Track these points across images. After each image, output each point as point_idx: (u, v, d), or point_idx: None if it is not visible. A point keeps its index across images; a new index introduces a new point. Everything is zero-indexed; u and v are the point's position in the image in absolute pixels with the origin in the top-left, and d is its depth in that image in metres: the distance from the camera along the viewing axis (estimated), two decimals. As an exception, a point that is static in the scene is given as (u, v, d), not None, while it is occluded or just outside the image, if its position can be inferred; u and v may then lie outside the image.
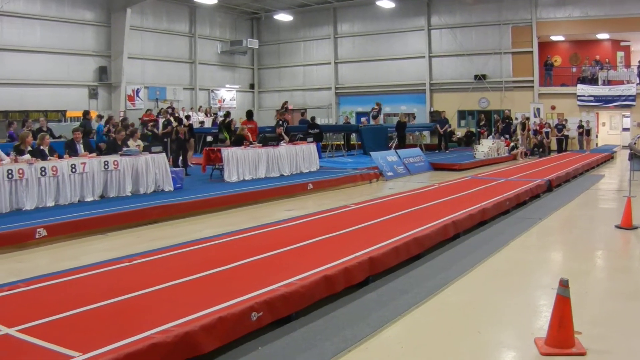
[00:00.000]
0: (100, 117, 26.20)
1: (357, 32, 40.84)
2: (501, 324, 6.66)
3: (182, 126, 21.82)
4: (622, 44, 35.91)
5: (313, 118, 28.46)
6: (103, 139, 20.05)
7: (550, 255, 10.44)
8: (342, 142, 31.38)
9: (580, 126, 32.38)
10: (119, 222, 12.52)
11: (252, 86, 45.10)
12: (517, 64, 35.35)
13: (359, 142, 29.54)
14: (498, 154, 28.38)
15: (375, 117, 32.71)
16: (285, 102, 35.57)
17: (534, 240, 11.30)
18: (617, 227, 11.81)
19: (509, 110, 33.90)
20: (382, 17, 39.18)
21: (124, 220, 12.66)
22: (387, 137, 30.55)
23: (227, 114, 30.98)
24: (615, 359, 5.65)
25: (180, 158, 21.09)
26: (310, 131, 25.42)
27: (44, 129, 21.01)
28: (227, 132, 26.20)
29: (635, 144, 23.46)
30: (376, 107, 32.99)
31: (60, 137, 21.41)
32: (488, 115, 35.30)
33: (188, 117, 27.41)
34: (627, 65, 34.94)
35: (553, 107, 34.32)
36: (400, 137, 30.22)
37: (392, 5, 37.04)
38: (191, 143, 25.03)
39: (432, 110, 37.69)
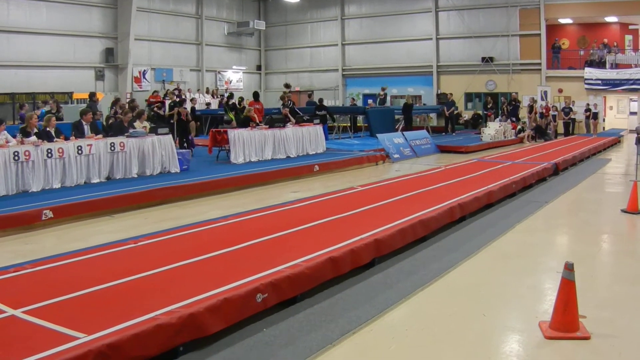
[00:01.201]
0: (116, 99, 26.06)
1: (364, 13, 40.66)
2: (506, 307, 6.67)
3: (184, 107, 21.84)
4: (630, 27, 35.62)
5: (321, 100, 28.29)
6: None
7: (556, 238, 10.45)
8: (349, 124, 31.33)
9: (588, 110, 32.23)
10: (125, 204, 12.57)
11: (258, 68, 44.98)
12: (524, 46, 35.17)
13: (366, 124, 29.50)
14: (505, 137, 28.32)
15: (382, 104, 32.66)
16: (287, 86, 35.16)
17: (540, 223, 11.29)
18: (623, 211, 11.81)
19: (516, 93, 33.74)
20: (389, -1, 39.06)
21: (130, 202, 12.70)
22: (394, 119, 30.49)
23: (231, 96, 30.99)
24: (620, 343, 5.64)
25: (185, 139, 21.09)
26: (317, 113, 25.35)
27: (53, 111, 21.01)
28: (231, 112, 26.26)
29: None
30: (382, 93, 32.84)
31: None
32: (495, 98, 35.18)
33: (192, 100, 27.42)
34: (635, 48, 34.71)
35: (560, 91, 34.19)
36: (406, 119, 30.15)
37: (399, -14, 36.95)
38: (192, 124, 25.06)
39: (439, 92, 37.56)
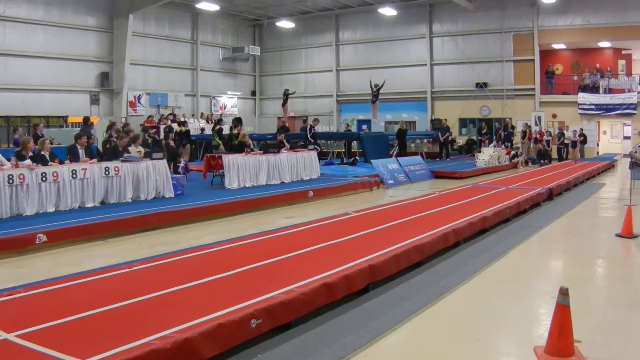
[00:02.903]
0: (112, 124, 26.00)
1: (359, 39, 40.96)
2: (501, 332, 6.66)
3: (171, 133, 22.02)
4: (623, 52, 35.97)
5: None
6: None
7: (551, 263, 10.44)
8: (343, 150, 31.36)
9: (582, 134, 32.37)
10: (119, 228, 12.52)
11: (253, 93, 45.22)
12: (518, 72, 35.43)
13: (360, 150, 29.55)
14: (499, 162, 28.40)
15: (374, 102, 31.91)
16: (286, 92, 35.06)
17: (534, 248, 11.30)
18: (618, 235, 11.81)
19: (510, 119, 33.97)
20: (384, 25, 39.30)
21: (124, 227, 12.66)
22: (388, 144, 30.53)
23: (219, 121, 31.09)
24: (615, 368, 5.64)
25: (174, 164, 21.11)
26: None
27: (40, 134, 21.02)
28: (218, 137, 26.40)
29: (636, 152, 23.43)
30: (380, 84, 31.39)
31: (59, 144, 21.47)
32: (489, 123, 35.35)
33: (184, 123, 27.53)
34: (629, 73, 34.99)
35: (554, 116, 34.38)
36: (401, 145, 30.24)
37: (394, 12, 37.19)
38: (187, 149, 25.11)
39: (433, 118, 37.71)
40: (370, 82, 31.31)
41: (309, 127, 26.12)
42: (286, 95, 33.98)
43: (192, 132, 29.04)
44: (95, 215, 12.97)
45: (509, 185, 18.64)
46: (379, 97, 31.24)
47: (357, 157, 27.40)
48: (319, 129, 28.93)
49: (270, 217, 15.18)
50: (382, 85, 30.97)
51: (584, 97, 33.72)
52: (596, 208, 16.78)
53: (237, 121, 25.96)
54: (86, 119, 24.28)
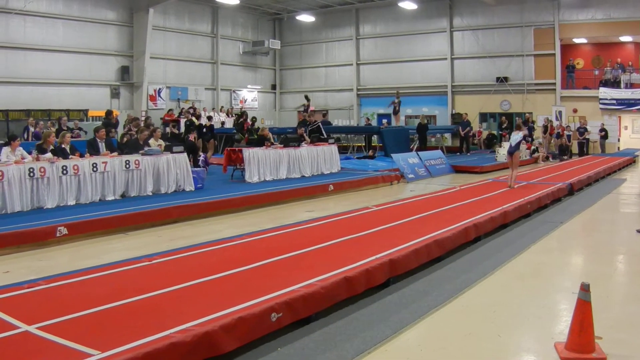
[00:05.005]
0: (133, 118, 25.97)
1: (379, 33, 40.78)
2: (521, 328, 6.64)
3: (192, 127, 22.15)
4: (645, 46, 35.66)
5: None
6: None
7: (571, 259, 10.41)
8: (364, 144, 31.32)
9: (603, 130, 32.17)
10: (139, 222, 12.60)
11: (273, 87, 45.13)
12: (539, 66, 35.16)
13: (380, 144, 29.49)
14: (519, 157, 28.18)
15: (395, 114, 32.42)
16: (307, 99, 34.94)
17: (555, 243, 11.25)
18: (639, 231, 11.74)
19: (530, 114, 33.77)
20: (404, 19, 39.10)
21: (144, 220, 12.74)
22: (409, 139, 30.48)
23: (241, 115, 31.11)
24: (636, 365, 5.62)
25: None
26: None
27: (64, 127, 21.14)
28: (241, 131, 26.46)
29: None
30: (396, 100, 32.27)
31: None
32: (510, 117, 35.15)
33: (209, 118, 27.57)
34: (650, 68, 34.69)
35: (575, 110, 34.11)
36: (421, 139, 30.15)
37: (414, 6, 36.97)
38: (211, 144, 25.19)
39: (453, 112, 37.57)
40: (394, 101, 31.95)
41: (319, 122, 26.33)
42: (305, 107, 33.84)
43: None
44: (115, 209, 13.07)
45: (530, 180, 18.57)
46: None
47: (372, 151, 27.26)
48: (339, 122, 28.80)
49: (291, 210, 15.21)
50: (399, 100, 31.74)
51: (605, 92, 33.39)
52: (617, 204, 16.69)
53: (244, 114, 26.05)
54: (108, 112, 24.31)
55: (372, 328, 6.47)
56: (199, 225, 13.15)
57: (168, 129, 24.72)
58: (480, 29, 36.76)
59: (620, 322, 6.71)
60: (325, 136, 23.21)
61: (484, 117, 37.36)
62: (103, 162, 14.62)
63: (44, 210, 13.00)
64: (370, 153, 26.94)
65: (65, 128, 20.65)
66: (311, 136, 22.68)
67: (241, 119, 29.43)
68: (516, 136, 16.89)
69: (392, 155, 23.67)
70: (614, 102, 33.18)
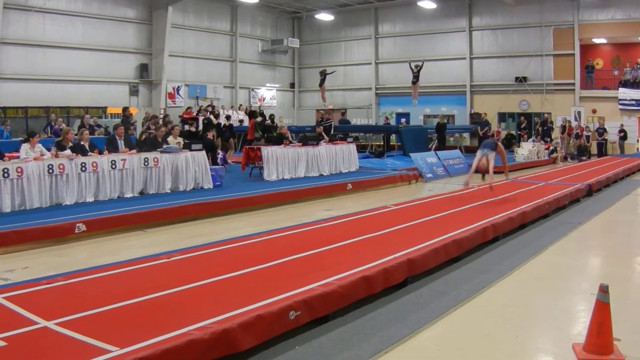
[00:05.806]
0: (152, 116, 26.01)
1: (398, 32, 40.77)
2: (539, 329, 6.63)
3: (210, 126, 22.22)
4: (665, 47, 35.43)
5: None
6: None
7: (590, 260, 10.38)
8: (382, 143, 31.30)
9: (622, 130, 32.04)
10: (158, 219, 12.66)
11: (292, 85, 45.20)
12: (558, 66, 35.03)
13: (399, 143, 29.45)
14: (538, 157, 28.16)
15: (415, 83, 31.46)
16: (323, 72, 34.50)
17: (573, 244, 11.22)
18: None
19: (549, 114, 33.63)
20: (423, 18, 39.07)
21: (163, 217, 12.79)
22: (427, 138, 30.44)
23: (261, 113, 31.12)
24: (655, 367, 5.60)
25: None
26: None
27: (87, 124, 21.29)
28: (261, 130, 26.47)
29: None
30: (420, 64, 31.07)
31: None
32: (528, 117, 35.05)
33: (228, 117, 27.63)
34: (670, 69, 34.46)
35: (594, 111, 33.96)
36: (440, 139, 30.12)
37: (433, 5, 36.92)
38: (231, 143, 25.25)
39: (472, 112, 37.50)
40: (410, 64, 31.30)
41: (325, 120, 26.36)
42: (324, 75, 33.66)
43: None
44: (134, 206, 13.14)
45: (548, 180, 18.51)
46: (419, 79, 30.91)
47: (383, 151, 27.19)
48: (358, 121, 28.74)
49: (309, 209, 15.23)
50: (422, 65, 30.77)
51: (624, 93, 33.20)
52: (636, 205, 16.63)
53: (254, 114, 26.06)
54: (125, 109, 24.37)
55: (390, 327, 6.49)
56: (218, 223, 13.20)
57: (187, 127, 24.77)
58: (500, 28, 36.65)
59: (638, 324, 6.69)
60: (328, 138, 23.08)
61: (502, 117, 37.24)
62: (122, 160, 14.71)
63: (63, 207, 13.10)
64: (380, 154, 26.95)
65: (87, 126, 20.77)
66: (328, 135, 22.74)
67: (260, 118, 29.40)
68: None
69: (410, 154, 23.64)
70: (634, 102, 32.98)
